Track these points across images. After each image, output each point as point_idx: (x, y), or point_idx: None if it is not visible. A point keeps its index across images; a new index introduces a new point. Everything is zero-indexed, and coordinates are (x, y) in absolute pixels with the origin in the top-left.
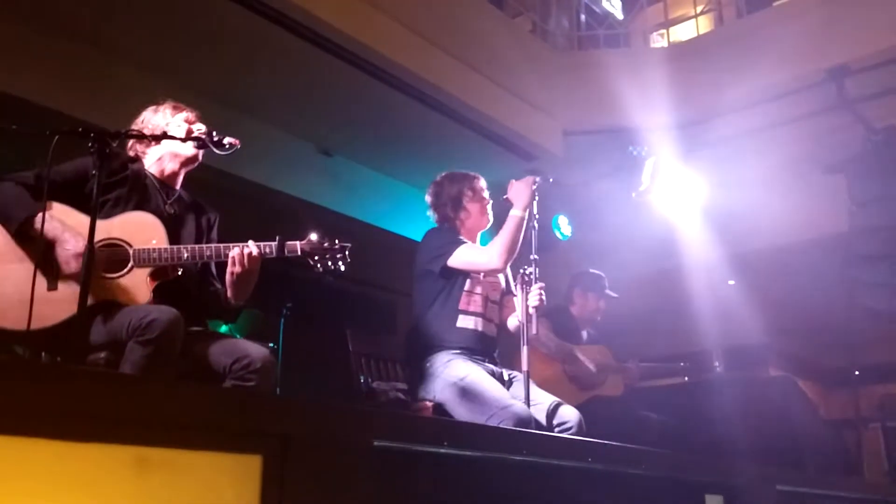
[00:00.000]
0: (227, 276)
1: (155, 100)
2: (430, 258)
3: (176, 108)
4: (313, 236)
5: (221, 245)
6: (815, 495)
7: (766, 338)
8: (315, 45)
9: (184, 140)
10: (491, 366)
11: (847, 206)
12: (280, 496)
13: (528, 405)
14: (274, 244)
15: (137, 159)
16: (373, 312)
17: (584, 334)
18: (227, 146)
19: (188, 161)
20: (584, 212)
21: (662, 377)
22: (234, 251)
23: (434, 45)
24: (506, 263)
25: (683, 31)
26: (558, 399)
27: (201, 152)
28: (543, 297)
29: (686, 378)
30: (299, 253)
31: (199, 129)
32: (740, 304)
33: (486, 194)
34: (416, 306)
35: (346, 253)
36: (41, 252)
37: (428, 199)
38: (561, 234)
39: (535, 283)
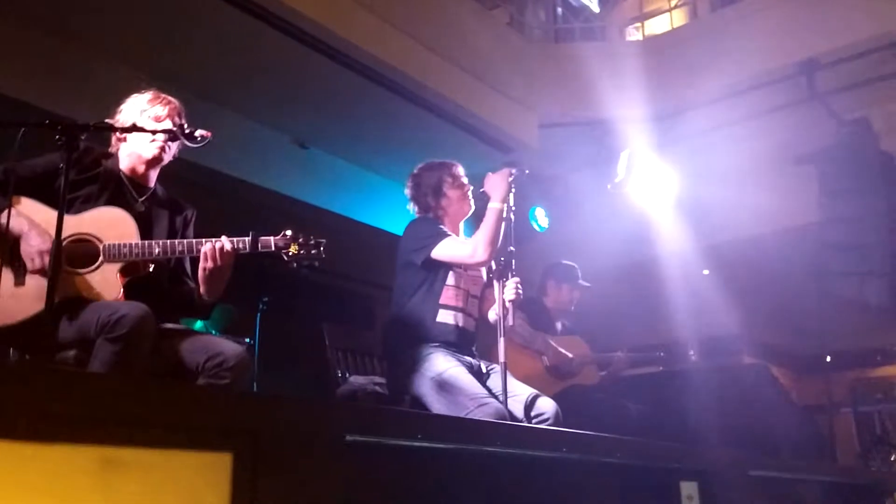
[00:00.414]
0: (200, 272)
1: (138, 88)
2: (412, 249)
3: (154, 99)
4: (288, 232)
5: (194, 240)
6: (788, 480)
7: (740, 327)
8: (291, 37)
9: (154, 132)
10: (469, 359)
11: (817, 196)
12: (251, 494)
13: (506, 397)
14: (247, 239)
15: (111, 155)
16: (350, 306)
17: (559, 325)
18: (199, 138)
19: (151, 162)
20: (560, 203)
21: (647, 366)
22: (206, 246)
23: (410, 37)
24: (490, 256)
25: (658, 25)
26: (536, 391)
27: (168, 154)
28: (520, 291)
29: (661, 367)
30: (273, 248)
31: (166, 126)
32: (714, 294)
33: (465, 180)
34: (396, 297)
35: (321, 248)
36: (8, 248)
37: (407, 191)
38: (538, 225)
39: (512, 276)
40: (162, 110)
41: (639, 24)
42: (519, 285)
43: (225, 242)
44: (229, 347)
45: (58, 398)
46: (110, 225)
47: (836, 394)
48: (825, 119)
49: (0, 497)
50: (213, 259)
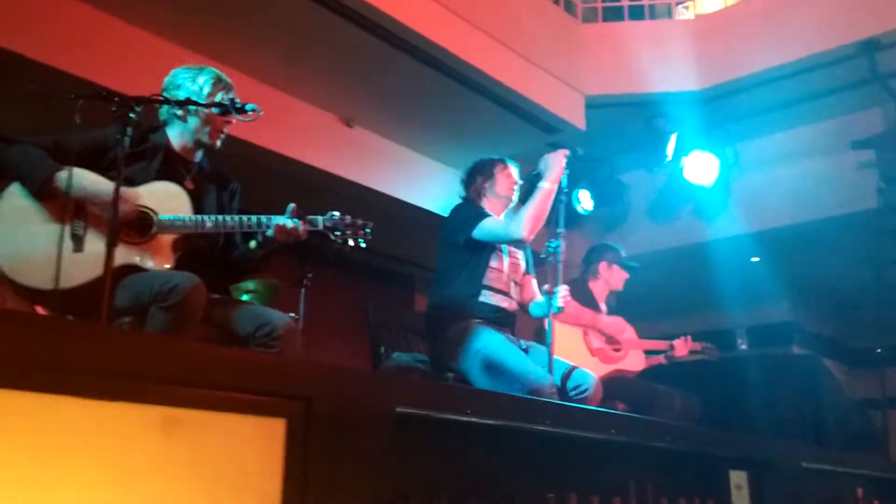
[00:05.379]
0: (264, 238)
1: (183, 63)
2: (455, 230)
3: (216, 84)
4: (336, 213)
5: (245, 216)
6: (840, 473)
7: (791, 316)
8: (338, 15)
9: (207, 107)
10: (510, 335)
11: (876, 182)
12: (303, 460)
13: (551, 374)
14: (320, 221)
15: (159, 129)
16: (393, 284)
17: (603, 307)
18: (249, 112)
19: (205, 147)
20: (606, 186)
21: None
22: (278, 221)
23: (457, 16)
24: (530, 234)
25: (710, 3)
26: (573, 364)
27: (219, 141)
28: (568, 299)
29: (707, 356)
30: (321, 228)
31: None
32: (764, 282)
33: (515, 174)
34: (439, 278)
35: (368, 231)
36: (69, 215)
37: (462, 180)
38: (582, 208)
39: (560, 284)
40: (225, 96)
41: (689, 3)
42: (568, 293)
43: (301, 226)
44: (278, 317)
45: (121, 358)
46: (165, 199)
47: (891, 388)
48: (886, 102)
49: (65, 450)
50: (285, 234)
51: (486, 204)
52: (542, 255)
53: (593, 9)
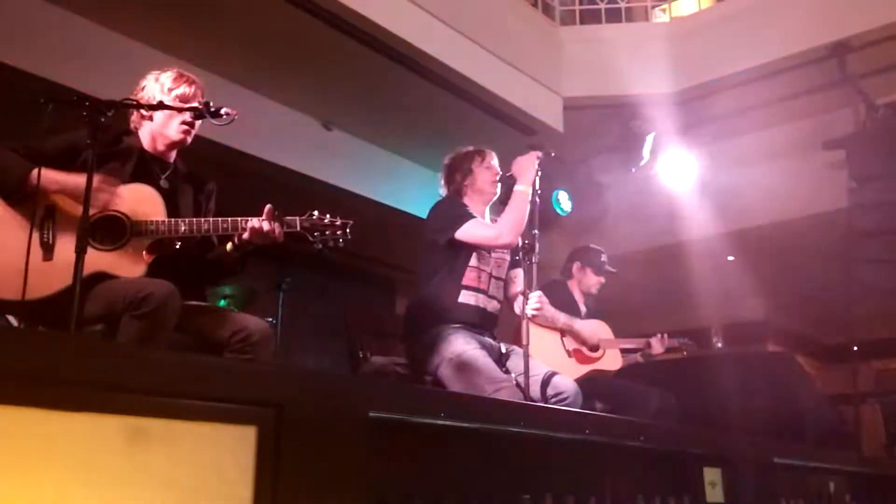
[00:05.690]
0: (239, 240)
1: (159, 66)
2: (436, 229)
3: (178, 79)
4: (315, 212)
5: (219, 219)
6: (812, 468)
7: (765, 314)
8: (316, 18)
9: (180, 110)
10: (490, 340)
11: (847, 182)
12: (275, 468)
13: (527, 380)
14: (298, 221)
15: (132, 132)
16: (372, 287)
17: (583, 309)
18: (224, 116)
19: (176, 144)
20: (584, 187)
21: (672, 352)
22: (253, 222)
23: (435, 18)
24: (515, 238)
25: (685, 6)
26: (552, 369)
27: (190, 137)
28: (541, 306)
29: (685, 353)
30: (298, 229)
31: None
32: (739, 281)
33: (495, 164)
34: (420, 278)
35: (347, 229)
36: (38, 222)
37: (441, 176)
38: (560, 209)
39: (533, 290)
40: (188, 89)
41: (665, 6)
42: (542, 299)
43: (276, 227)
44: (253, 323)
45: (86, 367)
46: (138, 202)
47: (863, 384)
48: (856, 103)
49: (28, 464)
50: (261, 236)
51: (468, 200)
52: (517, 257)
53: (571, 11)
